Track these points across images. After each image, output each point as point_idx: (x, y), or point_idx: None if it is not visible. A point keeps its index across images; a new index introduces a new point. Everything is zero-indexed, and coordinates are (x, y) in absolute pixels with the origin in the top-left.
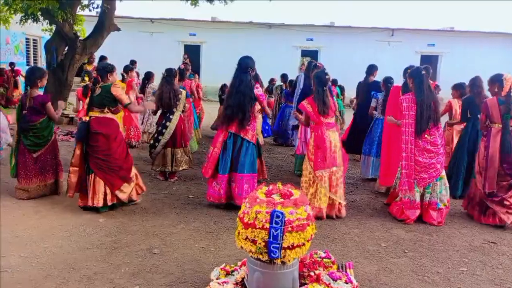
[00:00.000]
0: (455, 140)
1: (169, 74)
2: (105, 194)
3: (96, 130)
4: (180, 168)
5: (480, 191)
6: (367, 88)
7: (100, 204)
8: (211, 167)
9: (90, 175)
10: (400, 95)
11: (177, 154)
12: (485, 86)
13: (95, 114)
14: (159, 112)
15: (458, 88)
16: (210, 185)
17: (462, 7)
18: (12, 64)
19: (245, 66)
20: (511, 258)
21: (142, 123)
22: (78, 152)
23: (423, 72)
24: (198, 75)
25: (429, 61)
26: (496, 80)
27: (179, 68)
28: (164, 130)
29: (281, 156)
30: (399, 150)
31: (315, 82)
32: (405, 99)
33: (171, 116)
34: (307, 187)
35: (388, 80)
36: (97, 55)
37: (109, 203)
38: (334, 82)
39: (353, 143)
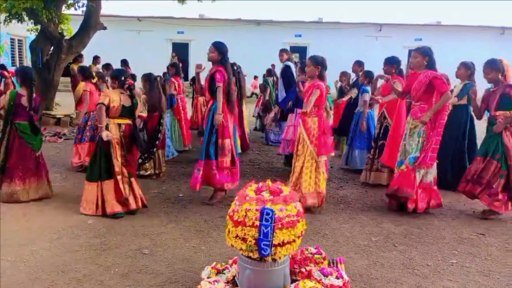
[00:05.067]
0: None
1: (161, 77)
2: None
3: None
4: (164, 169)
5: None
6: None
7: (140, 205)
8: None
9: (131, 179)
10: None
11: (163, 154)
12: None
13: (126, 121)
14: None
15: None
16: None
17: (448, 1)
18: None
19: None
20: (499, 249)
21: None
22: (120, 159)
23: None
24: (187, 73)
25: None
26: (495, 67)
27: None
28: (159, 135)
29: (271, 153)
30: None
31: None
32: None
33: (162, 121)
34: (309, 175)
35: (368, 74)
36: (85, 54)
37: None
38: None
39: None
